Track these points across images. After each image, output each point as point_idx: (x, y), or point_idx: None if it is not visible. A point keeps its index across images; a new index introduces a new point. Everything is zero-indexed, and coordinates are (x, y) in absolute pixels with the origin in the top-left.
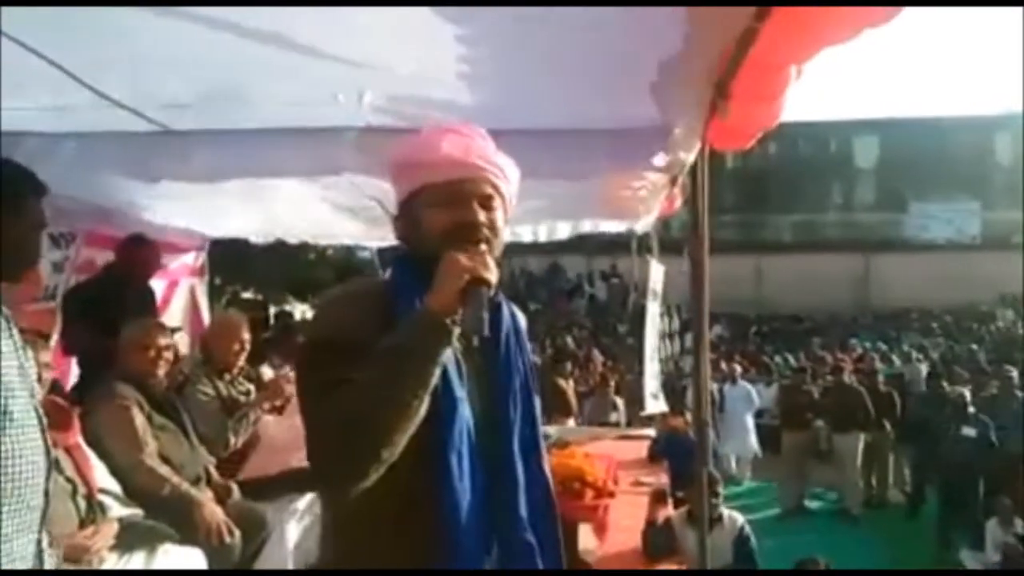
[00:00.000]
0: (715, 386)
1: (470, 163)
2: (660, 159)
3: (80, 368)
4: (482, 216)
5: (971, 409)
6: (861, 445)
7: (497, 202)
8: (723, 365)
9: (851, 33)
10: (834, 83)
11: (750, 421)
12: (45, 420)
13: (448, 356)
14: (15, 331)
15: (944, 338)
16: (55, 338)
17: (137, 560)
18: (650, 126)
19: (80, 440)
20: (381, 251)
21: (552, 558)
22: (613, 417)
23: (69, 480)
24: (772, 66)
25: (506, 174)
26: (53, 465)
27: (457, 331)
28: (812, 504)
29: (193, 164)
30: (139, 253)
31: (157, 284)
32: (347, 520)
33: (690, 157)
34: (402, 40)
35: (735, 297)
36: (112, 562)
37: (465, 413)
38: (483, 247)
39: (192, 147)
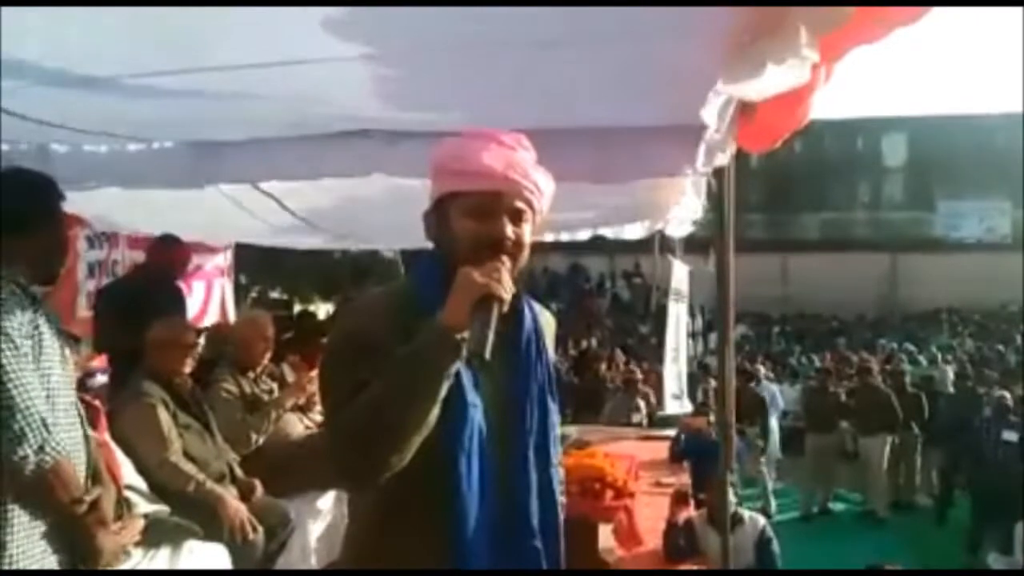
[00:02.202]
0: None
1: (507, 177)
2: (697, 161)
3: (111, 366)
4: (510, 231)
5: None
6: (888, 447)
7: (527, 216)
8: (747, 365)
9: (881, 33)
10: (862, 80)
11: (774, 423)
12: (84, 415)
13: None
14: (56, 331)
15: (973, 339)
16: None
17: (162, 556)
18: (686, 127)
19: (108, 437)
20: (404, 252)
21: (552, 566)
22: (636, 418)
23: None
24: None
25: (540, 188)
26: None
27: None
28: (837, 506)
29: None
30: (169, 253)
31: (197, 285)
32: (364, 520)
33: (724, 159)
34: (427, 41)
35: (760, 296)
36: (138, 558)
37: (476, 418)
38: (504, 262)
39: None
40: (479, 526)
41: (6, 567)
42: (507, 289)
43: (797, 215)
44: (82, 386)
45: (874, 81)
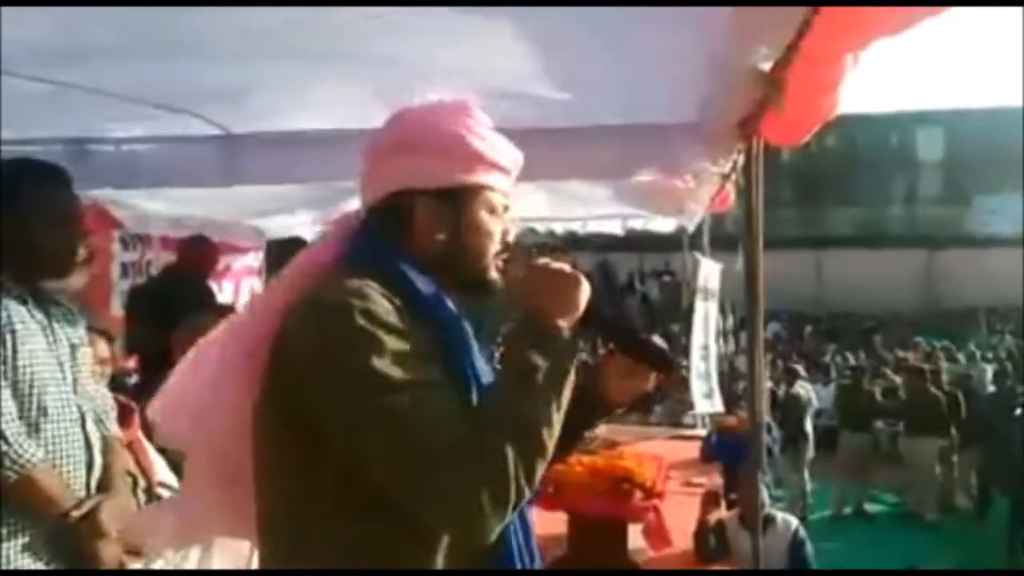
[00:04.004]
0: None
1: (515, 172)
2: (700, 157)
3: (141, 365)
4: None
5: None
6: (937, 450)
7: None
8: (780, 364)
9: (906, 23)
10: (897, 74)
11: (808, 422)
12: (88, 413)
13: (485, 370)
14: (57, 328)
15: (1012, 336)
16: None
17: (193, 551)
18: (693, 123)
19: (140, 435)
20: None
21: None
22: (686, 419)
23: (130, 473)
24: (827, 57)
25: None
26: (99, 458)
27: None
28: (873, 507)
29: (251, 168)
30: (199, 253)
31: (226, 285)
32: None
33: (732, 154)
34: (454, 40)
35: (793, 294)
36: (169, 553)
37: None
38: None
39: (250, 151)
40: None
41: None
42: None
43: (830, 211)
44: (118, 385)
45: (909, 74)
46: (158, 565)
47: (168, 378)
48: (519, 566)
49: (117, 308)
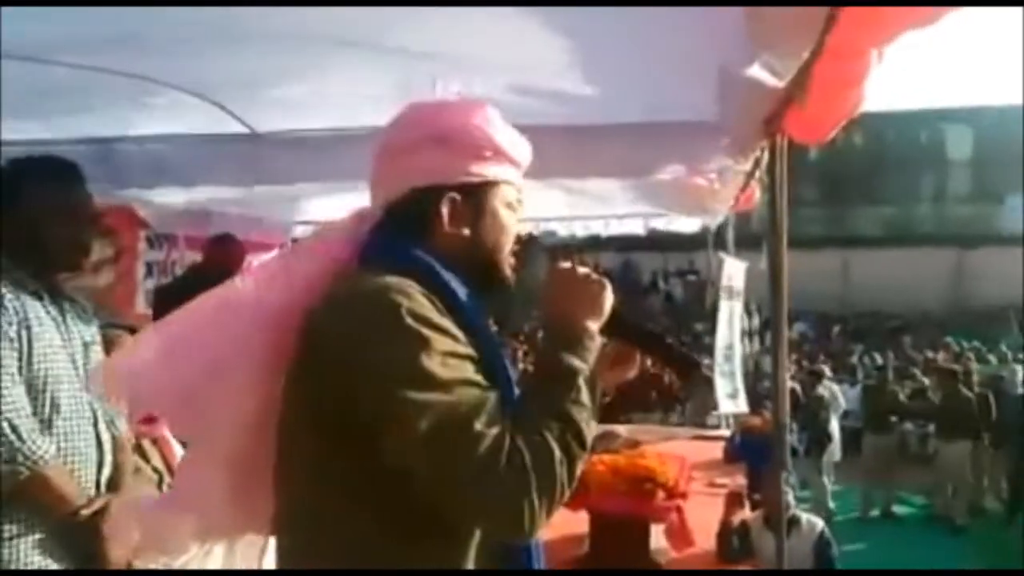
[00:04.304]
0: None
1: (523, 171)
2: (720, 155)
3: None
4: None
5: None
6: (969, 454)
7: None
8: (807, 364)
9: (933, 15)
10: (925, 70)
11: (835, 423)
12: (99, 411)
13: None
14: (71, 325)
15: None
16: None
17: (218, 548)
18: (716, 120)
19: (166, 432)
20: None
21: None
22: (711, 420)
23: (156, 470)
24: (851, 52)
25: None
26: (109, 457)
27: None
28: (901, 510)
29: (278, 167)
30: (224, 251)
31: None
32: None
33: (756, 152)
34: (479, 35)
35: (820, 294)
36: (195, 549)
37: None
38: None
39: (276, 149)
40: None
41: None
42: None
43: (858, 210)
44: None
45: (938, 71)
46: (181, 561)
47: (129, 354)
48: (535, 556)
49: (142, 306)
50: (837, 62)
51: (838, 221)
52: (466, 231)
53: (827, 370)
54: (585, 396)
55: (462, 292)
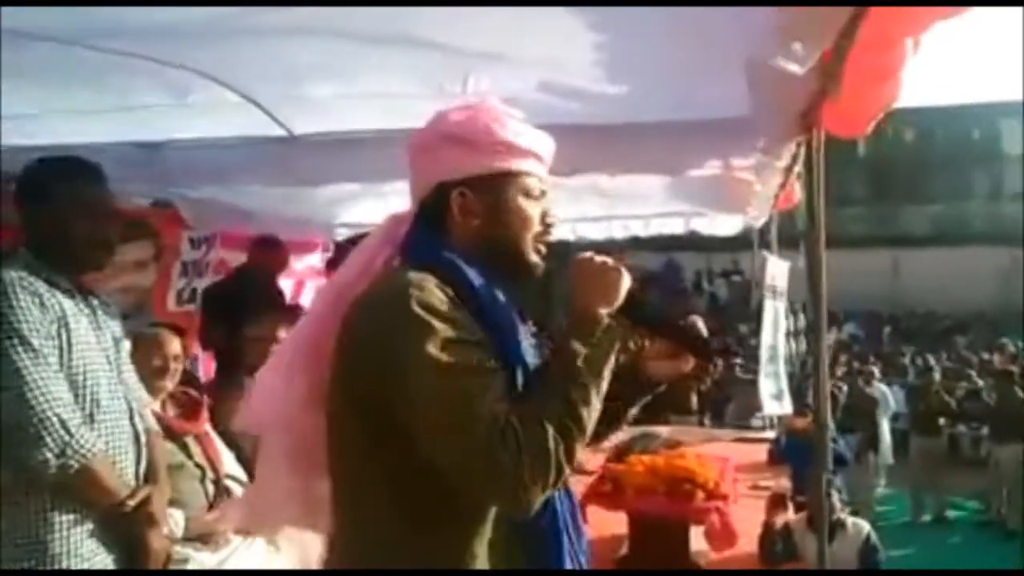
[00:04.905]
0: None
1: (548, 158)
2: (755, 151)
3: (216, 362)
4: (555, 217)
5: None
6: (1021, 454)
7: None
8: (856, 365)
9: (963, 6)
10: (977, 63)
11: (885, 425)
12: (134, 406)
13: (532, 352)
14: (106, 322)
15: None
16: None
17: (259, 542)
18: (749, 116)
19: (209, 428)
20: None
21: None
22: (756, 421)
23: (198, 465)
24: (884, 42)
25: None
26: (145, 451)
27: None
28: (953, 514)
29: (314, 169)
30: (268, 253)
31: (285, 284)
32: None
33: (789, 147)
34: (505, 36)
35: (869, 294)
36: (235, 543)
37: None
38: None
39: (312, 151)
40: (562, 515)
41: (52, 566)
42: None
43: (908, 208)
44: (188, 379)
45: (991, 64)
46: (226, 552)
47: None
48: (566, 540)
49: (172, 305)
50: (870, 53)
51: (888, 219)
52: (476, 221)
53: (876, 371)
54: (586, 378)
55: (480, 282)
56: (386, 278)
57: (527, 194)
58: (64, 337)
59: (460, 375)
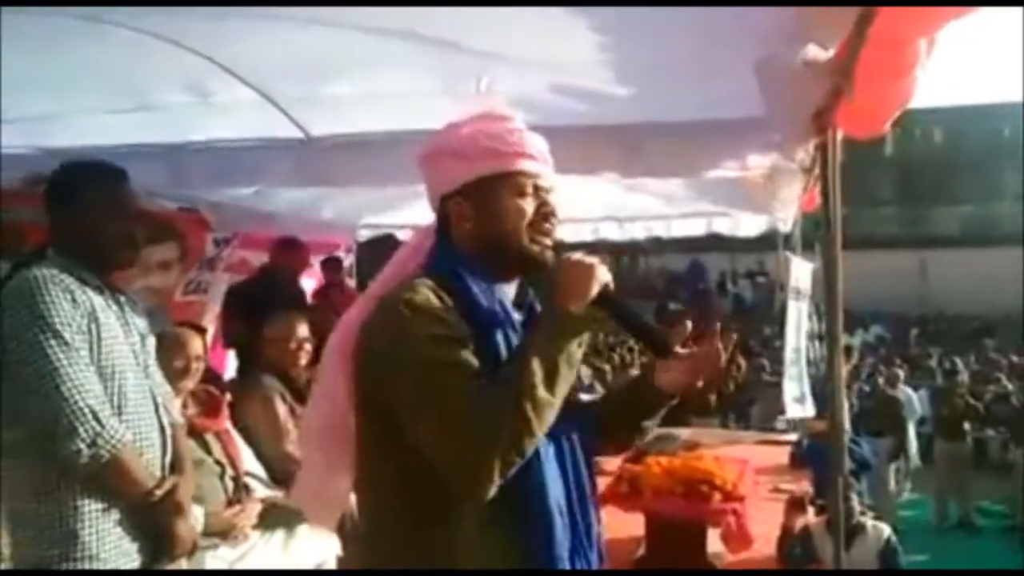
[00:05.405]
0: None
1: (540, 155)
2: (771, 151)
3: (237, 360)
4: (554, 207)
5: None
6: None
7: (552, 191)
8: (882, 368)
9: (975, 4)
10: (1006, 61)
11: (911, 429)
12: (159, 400)
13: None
14: (133, 318)
15: None
16: (211, 331)
17: (277, 538)
18: (762, 116)
19: (229, 426)
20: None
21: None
22: (780, 424)
23: (218, 462)
24: (897, 41)
25: (552, 169)
26: (171, 443)
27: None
28: (979, 519)
29: (331, 170)
30: (289, 254)
31: (307, 284)
32: (418, 514)
33: (803, 148)
34: (518, 36)
35: (896, 295)
36: (254, 539)
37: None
38: (550, 241)
39: (328, 153)
40: (560, 512)
41: (82, 555)
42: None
43: (936, 208)
44: (210, 377)
45: (1020, 62)
46: (245, 548)
47: None
48: (561, 537)
49: (179, 295)
50: (883, 53)
51: (916, 220)
52: (468, 224)
53: (902, 374)
54: (534, 371)
55: (475, 286)
56: (396, 287)
57: (518, 193)
58: (94, 332)
59: (438, 370)
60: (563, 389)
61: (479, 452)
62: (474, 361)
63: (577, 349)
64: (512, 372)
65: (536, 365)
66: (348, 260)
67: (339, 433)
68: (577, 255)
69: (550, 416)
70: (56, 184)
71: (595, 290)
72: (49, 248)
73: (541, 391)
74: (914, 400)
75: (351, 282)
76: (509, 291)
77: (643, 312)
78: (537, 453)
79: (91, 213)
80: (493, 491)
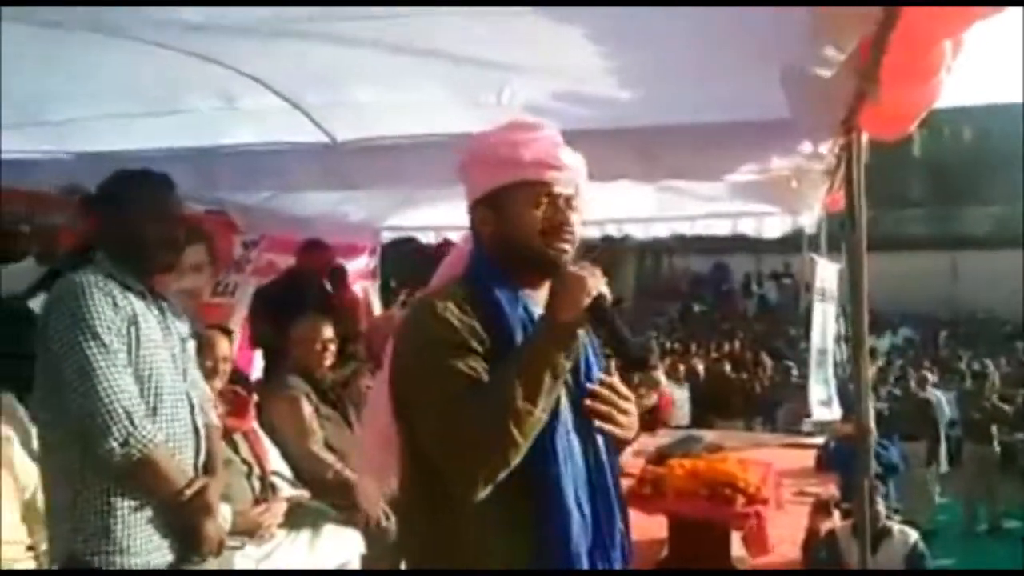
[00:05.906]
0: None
1: (563, 165)
2: (795, 153)
3: (264, 361)
4: (573, 218)
5: None
6: None
7: (577, 202)
8: (911, 371)
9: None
10: None
11: (941, 432)
12: (195, 402)
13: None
14: (174, 322)
15: None
16: (237, 332)
17: (303, 537)
18: (788, 118)
19: (255, 426)
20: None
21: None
22: (806, 426)
23: (245, 461)
24: (921, 43)
25: (583, 174)
26: (205, 444)
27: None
28: (1011, 524)
29: (356, 174)
30: (315, 256)
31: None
32: (445, 516)
33: (833, 149)
34: (538, 41)
35: (926, 297)
36: (280, 537)
37: (564, 405)
38: (570, 247)
39: (353, 157)
40: (579, 509)
41: (113, 551)
42: (607, 289)
43: (966, 209)
44: (237, 378)
45: None
46: (270, 545)
47: None
48: (580, 531)
49: (207, 295)
50: (907, 55)
51: (946, 220)
52: (489, 232)
53: (931, 376)
54: (516, 384)
55: (504, 294)
56: (425, 294)
57: (531, 202)
58: (133, 335)
59: (439, 376)
60: (547, 401)
61: (466, 458)
62: (480, 370)
63: (565, 360)
64: (497, 384)
65: (519, 378)
66: (372, 262)
67: (383, 431)
68: (573, 267)
69: (533, 427)
70: (104, 193)
71: (586, 302)
72: (97, 252)
73: (520, 403)
74: (943, 403)
75: (375, 283)
76: (540, 297)
77: (667, 312)
78: (555, 450)
79: (137, 220)
80: (484, 493)
